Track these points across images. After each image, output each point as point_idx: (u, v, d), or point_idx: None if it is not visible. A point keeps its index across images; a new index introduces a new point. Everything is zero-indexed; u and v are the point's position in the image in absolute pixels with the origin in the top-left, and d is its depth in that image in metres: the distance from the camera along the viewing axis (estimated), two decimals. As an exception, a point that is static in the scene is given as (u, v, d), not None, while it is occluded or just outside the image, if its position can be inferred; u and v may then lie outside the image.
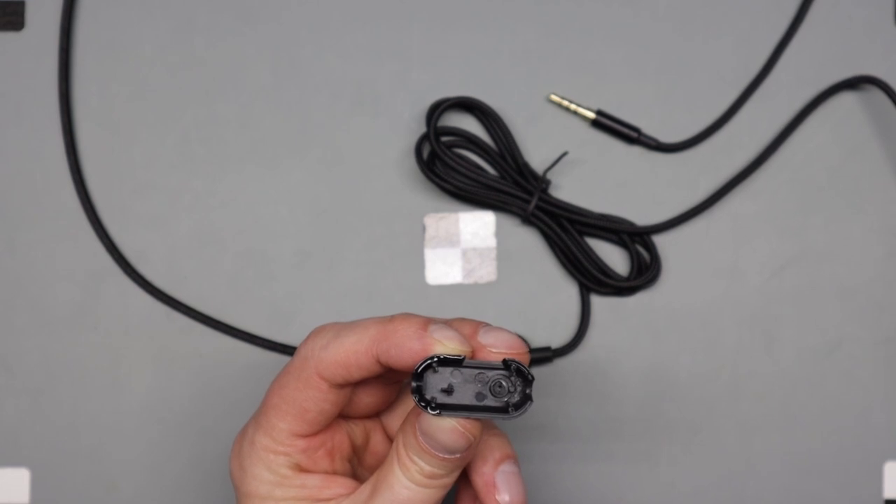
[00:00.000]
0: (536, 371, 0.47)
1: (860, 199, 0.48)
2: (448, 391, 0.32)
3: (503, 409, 0.32)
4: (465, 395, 0.32)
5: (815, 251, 0.48)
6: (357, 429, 0.37)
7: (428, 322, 0.33)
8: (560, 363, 0.47)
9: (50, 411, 0.47)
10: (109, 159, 0.48)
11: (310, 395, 0.34)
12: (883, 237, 0.48)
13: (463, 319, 0.34)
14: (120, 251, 0.48)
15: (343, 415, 0.37)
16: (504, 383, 0.32)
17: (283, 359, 0.47)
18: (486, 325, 0.34)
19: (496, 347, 0.33)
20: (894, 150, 0.48)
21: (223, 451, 0.47)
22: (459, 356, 0.32)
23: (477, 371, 0.32)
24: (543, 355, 0.46)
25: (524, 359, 0.33)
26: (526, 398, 0.32)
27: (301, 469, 0.35)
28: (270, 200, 0.48)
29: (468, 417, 0.32)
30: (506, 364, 0.32)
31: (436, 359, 0.32)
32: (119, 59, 0.48)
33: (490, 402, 0.32)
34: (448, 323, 0.34)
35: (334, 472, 0.36)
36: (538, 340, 0.47)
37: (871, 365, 0.48)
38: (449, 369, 0.32)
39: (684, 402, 0.47)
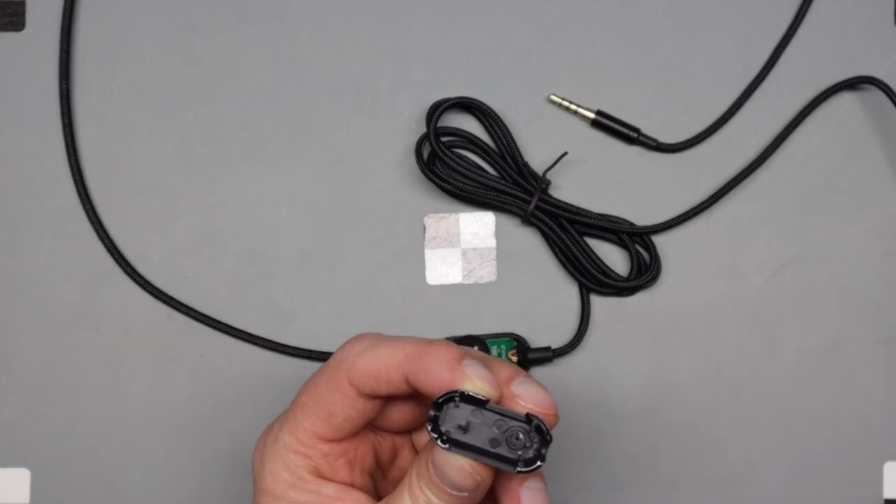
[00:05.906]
0: (536, 371, 0.47)
1: (860, 199, 0.48)
2: (464, 429, 0.31)
3: (512, 462, 0.31)
4: (479, 437, 0.31)
5: (815, 251, 0.48)
6: (385, 442, 0.37)
7: (465, 355, 0.32)
8: (560, 363, 0.47)
9: (50, 411, 0.47)
10: (109, 159, 0.48)
11: (337, 400, 0.34)
12: (883, 237, 0.48)
13: (503, 363, 0.34)
14: (120, 251, 0.48)
15: (373, 426, 0.36)
16: (522, 436, 0.31)
17: (283, 359, 0.47)
18: (525, 375, 0.33)
19: (525, 401, 0.32)
20: (894, 150, 0.48)
21: (223, 451, 0.47)
22: (484, 398, 0.32)
23: (498, 417, 0.31)
24: (543, 355, 0.46)
25: (551, 421, 0.32)
26: (538, 458, 0.31)
27: (319, 475, 0.35)
28: (270, 200, 0.48)
29: (475, 460, 0.32)
30: (528, 418, 0.32)
31: (459, 393, 0.31)
32: (119, 59, 0.48)
33: (503, 451, 0.31)
34: (486, 362, 0.33)
35: (352, 485, 0.35)
36: (538, 340, 0.47)
37: (871, 365, 0.48)
38: (471, 408, 0.31)
39: (684, 403, 0.47)
